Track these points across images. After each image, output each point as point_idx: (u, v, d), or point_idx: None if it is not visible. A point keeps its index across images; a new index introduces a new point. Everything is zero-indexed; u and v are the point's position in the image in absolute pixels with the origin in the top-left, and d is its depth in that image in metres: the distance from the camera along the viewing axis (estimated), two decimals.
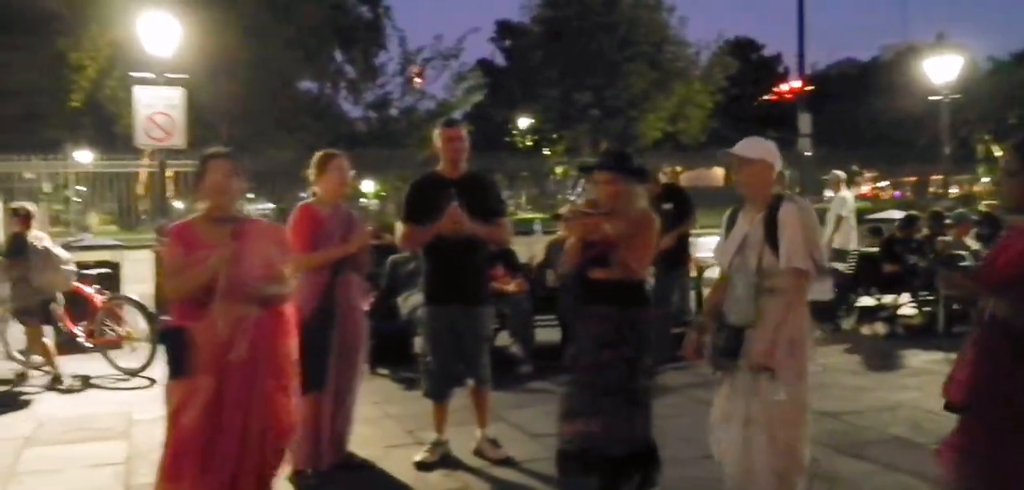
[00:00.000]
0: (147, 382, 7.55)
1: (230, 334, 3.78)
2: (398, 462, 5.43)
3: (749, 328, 3.88)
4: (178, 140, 11.09)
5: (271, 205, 26.03)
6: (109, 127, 22.39)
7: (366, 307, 5.47)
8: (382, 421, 6.44)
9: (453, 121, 5.58)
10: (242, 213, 4.23)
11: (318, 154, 5.26)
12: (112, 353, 8.18)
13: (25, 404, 7.17)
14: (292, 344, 4.10)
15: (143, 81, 11.10)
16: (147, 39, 11.12)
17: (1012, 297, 3.00)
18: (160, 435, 3.97)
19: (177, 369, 3.82)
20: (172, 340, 3.84)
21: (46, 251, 8.05)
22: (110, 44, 20.82)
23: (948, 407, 3.34)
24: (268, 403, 3.94)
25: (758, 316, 3.83)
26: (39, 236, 8.11)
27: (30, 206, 8.41)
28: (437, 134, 5.36)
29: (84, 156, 21.01)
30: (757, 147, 4.05)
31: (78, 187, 20.26)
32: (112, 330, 8.49)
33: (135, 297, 8.89)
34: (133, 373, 7.83)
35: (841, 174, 13.38)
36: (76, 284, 8.40)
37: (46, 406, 7.06)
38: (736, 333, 3.96)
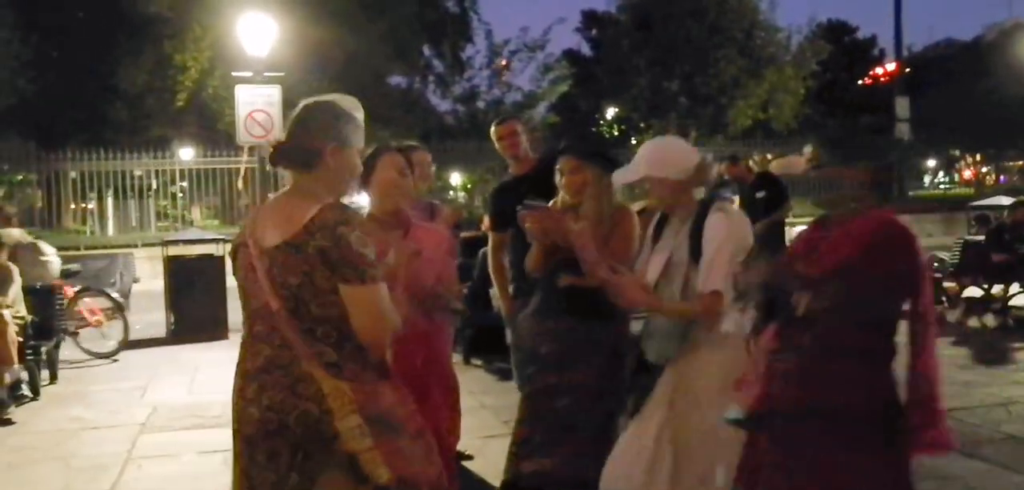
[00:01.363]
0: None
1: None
2: (496, 452, 5.36)
3: (668, 364, 3.26)
4: (277, 136, 11.41)
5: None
6: (212, 125, 23.14)
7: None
8: (478, 412, 6.52)
9: (502, 118, 5.38)
10: (410, 215, 3.81)
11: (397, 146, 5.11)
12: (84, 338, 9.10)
13: (140, 391, 7.51)
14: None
15: (242, 80, 11.46)
16: (246, 39, 11.48)
17: (824, 294, 2.65)
18: None
19: None
20: None
21: (32, 245, 8.99)
22: (211, 45, 21.51)
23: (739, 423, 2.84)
24: (437, 418, 3.67)
25: (680, 351, 3.22)
26: (8, 233, 8.62)
27: (11, 207, 9.50)
28: (493, 136, 5.21)
29: (187, 153, 21.80)
30: (639, 161, 3.38)
31: (182, 183, 21.04)
32: (83, 318, 9.33)
33: (106, 290, 9.99)
34: (102, 356, 8.87)
35: None
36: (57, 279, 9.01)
37: (160, 394, 7.38)
38: (647, 367, 3.34)
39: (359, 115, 2.58)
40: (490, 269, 5.39)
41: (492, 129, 5.28)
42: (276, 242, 2.38)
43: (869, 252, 2.58)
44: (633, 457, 3.28)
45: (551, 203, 3.98)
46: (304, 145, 2.48)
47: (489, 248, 5.44)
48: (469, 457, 5.35)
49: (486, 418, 6.35)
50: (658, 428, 3.23)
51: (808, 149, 2.82)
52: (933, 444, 2.57)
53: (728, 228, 3.16)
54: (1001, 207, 13.04)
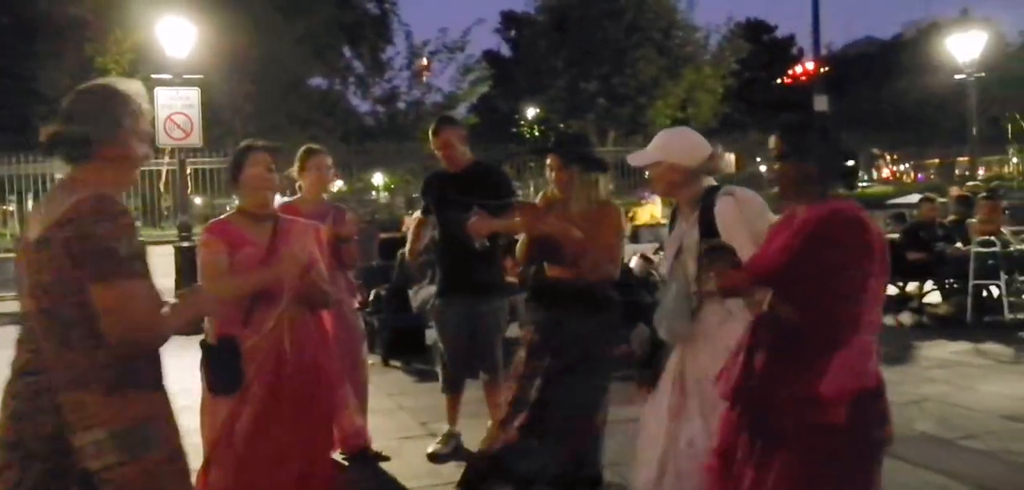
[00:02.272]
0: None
1: (285, 340, 3.47)
2: (412, 454, 5.42)
3: (677, 342, 3.41)
4: (196, 139, 11.44)
5: (281, 200, 26.23)
6: None
7: (356, 303, 5.44)
8: (396, 413, 6.48)
9: (438, 127, 5.42)
10: (276, 210, 3.96)
11: (300, 150, 5.30)
12: None
13: None
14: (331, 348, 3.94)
15: (162, 82, 11.43)
16: (165, 41, 11.46)
17: (778, 289, 2.70)
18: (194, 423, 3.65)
19: (226, 383, 3.27)
20: (220, 351, 3.26)
21: None
22: (133, 48, 21.14)
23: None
24: (320, 411, 3.70)
25: (690, 330, 3.33)
26: None
27: None
28: (431, 140, 5.37)
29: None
30: (656, 146, 3.53)
31: None
32: None
33: None
34: None
35: None
36: None
37: None
38: (656, 345, 3.51)
39: (137, 98, 2.42)
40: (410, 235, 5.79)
41: (431, 136, 5.38)
42: (34, 236, 2.23)
43: (820, 241, 2.58)
44: (649, 438, 3.46)
45: (539, 197, 4.40)
46: (73, 135, 2.31)
47: (413, 225, 5.71)
48: (385, 458, 5.31)
49: (403, 419, 6.32)
50: (670, 406, 3.38)
51: (773, 140, 2.81)
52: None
53: (737, 211, 3.25)
54: (915, 206, 12.93)
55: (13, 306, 9.65)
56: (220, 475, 3.47)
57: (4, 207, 21.31)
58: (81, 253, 2.14)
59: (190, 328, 2.55)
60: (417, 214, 5.74)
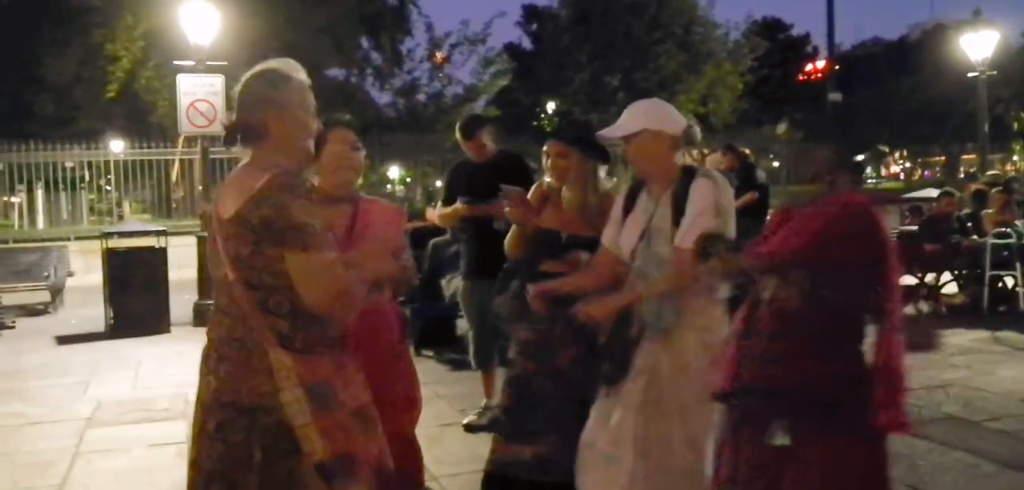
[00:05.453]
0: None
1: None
2: (452, 440, 5.54)
3: (654, 336, 3.19)
4: (219, 127, 11.21)
5: None
6: (145, 117, 22.60)
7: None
8: (433, 401, 6.47)
9: (471, 130, 5.56)
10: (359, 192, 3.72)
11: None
12: None
13: (82, 386, 7.31)
14: None
15: (185, 69, 11.24)
16: (188, 27, 11.27)
17: (788, 278, 2.68)
18: None
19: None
20: None
21: None
22: (144, 35, 20.98)
23: (715, 397, 2.88)
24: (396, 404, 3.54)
25: (677, 318, 3.15)
26: None
27: None
28: (462, 142, 5.57)
29: (118, 146, 21.20)
30: (635, 115, 3.30)
31: (108, 175, 20.43)
32: None
33: None
34: None
35: None
36: None
37: (103, 389, 7.18)
38: (626, 343, 3.25)
39: (299, 76, 2.57)
40: (439, 221, 5.88)
41: (458, 138, 5.58)
42: (230, 213, 2.39)
43: (831, 236, 2.58)
44: (598, 426, 3.29)
45: (531, 191, 4.17)
46: (247, 120, 2.49)
47: (438, 215, 5.77)
48: None
49: (441, 407, 6.33)
50: (641, 394, 3.19)
51: (782, 125, 2.83)
52: (891, 423, 2.60)
53: (714, 192, 3.13)
54: (932, 200, 13.44)
55: (24, 297, 9.69)
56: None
57: (10, 197, 21.08)
58: (278, 227, 2.33)
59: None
60: (439, 205, 5.80)
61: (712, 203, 3.09)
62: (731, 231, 3.12)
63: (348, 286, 2.47)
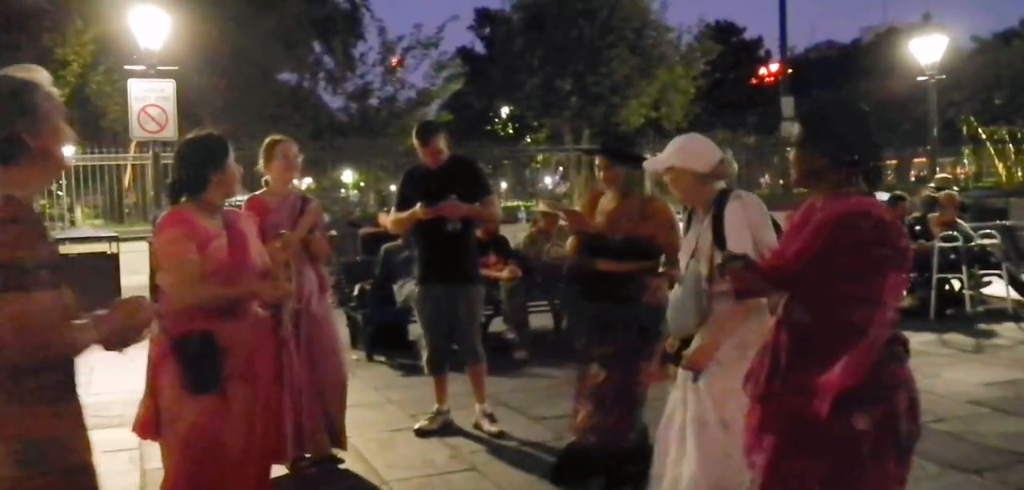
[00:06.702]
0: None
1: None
2: (403, 445, 5.60)
3: (683, 336, 3.60)
4: (171, 131, 11.24)
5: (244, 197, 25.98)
6: (96, 122, 22.32)
7: (327, 298, 5.36)
8: (384, 406, 6.60)
9: (427, 136, 5.63)
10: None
11: (265, 141, 5.25)
12: None
13: None
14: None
15: (135, 74, 11.23)
16: (139, 32, 11.25)
17: (797, 293, 2.69)
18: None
19: (204, 381, 3.23)
20: (198, 347, 3.20)
21: None
22: (94, 39, 20.75)
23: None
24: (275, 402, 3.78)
25: (696, 325, 3.51)
26: None
27: None
28: (419, 148, 5.65)
29: (68, 150, 20.88)
30: (669, 151, 3.75)
31: (60, 181, 20.16)
32: None
33: None
34: None
35: None
36: None
37: None
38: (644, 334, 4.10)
39: (46, 89, 2.31)
40: (390, 227, 6.18)
41: (415, 142, 5.67)
42: None
43: (835, 243, 2.52)
44: (665, 426, 3.76)
45: (576, 196, 4.86)
46: None
47: (391, 221, 5.96)
48: (340, 461, 5.27)
49: (392, 412, 6.42)
50: (682, 398, 3.62)
51: (794, 127, 2.86)
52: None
53: (743, 213, 3.47)
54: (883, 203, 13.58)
55: None
56: (184, 476, 3.39)
57: None
58: None
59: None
60: (393, 211, 5.88)
61: (742, 223, 3.44)
62: (765, 242, 3.41)
63: (55, 334, 2.18)
